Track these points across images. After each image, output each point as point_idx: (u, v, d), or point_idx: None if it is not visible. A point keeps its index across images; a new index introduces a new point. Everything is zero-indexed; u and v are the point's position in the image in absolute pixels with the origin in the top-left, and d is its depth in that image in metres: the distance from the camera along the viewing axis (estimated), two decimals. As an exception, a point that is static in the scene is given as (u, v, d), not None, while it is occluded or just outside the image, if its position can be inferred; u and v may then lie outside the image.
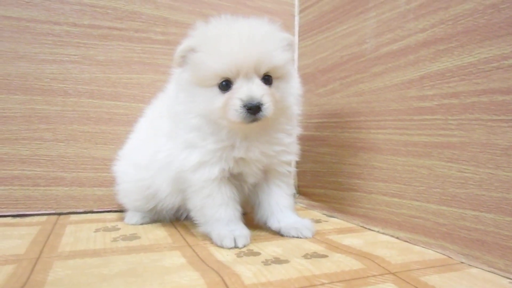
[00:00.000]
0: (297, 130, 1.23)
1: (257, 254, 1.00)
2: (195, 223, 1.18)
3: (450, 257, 1.00)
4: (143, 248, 1.05)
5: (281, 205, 1.22)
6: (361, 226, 1.31)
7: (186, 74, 1.10)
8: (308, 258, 0.96)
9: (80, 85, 1.51)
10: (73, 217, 1.44)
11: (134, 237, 1.17)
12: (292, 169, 1.27)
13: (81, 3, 1.51)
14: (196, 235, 1.18)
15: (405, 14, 1.18)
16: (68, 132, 1.50)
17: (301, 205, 1.69)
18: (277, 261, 0.94)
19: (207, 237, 1.13)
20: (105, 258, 0.96)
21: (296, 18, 1.82)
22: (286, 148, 1.18)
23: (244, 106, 1.00)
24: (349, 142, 1.42)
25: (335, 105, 1.52)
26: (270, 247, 1.06)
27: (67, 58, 1.50)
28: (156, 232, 1.24)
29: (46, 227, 1.28)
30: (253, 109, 1.00)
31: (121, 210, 1.46)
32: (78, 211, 1.51)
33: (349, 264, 0.92)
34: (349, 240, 1.14)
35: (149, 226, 1.32)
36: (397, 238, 1.17)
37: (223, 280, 0.82)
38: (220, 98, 1.04)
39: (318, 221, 1.39)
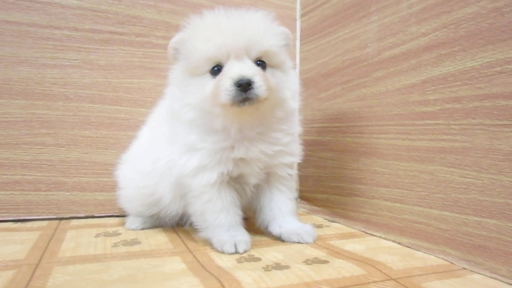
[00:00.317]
0: (296, 129, 1.22)
1: (257, 259, 0.99)
2: (196, 228, 1.17)
3: (452, 263, 0.99)
4: (144, 254, 1.05)
5: (282, 210, 1.21)
6: (363, 232, 1.30)
7: (180, 67, 1.11)
8: (309, 264, 0.95)
9: (81, 90, 1.51)
10: (74, 222, 1.43)
11: (134, 242, 1.16)
12: (294, 172, 1.25)
13: (82, 7, 1.51)
14: (197, 241, 1.18)
15: (407, 18, 1.18)
16: (69, 136, 1.50)
17: (303, 210, 1.68)
18: (278, 266, 0.93)
19: (207, 243, 1.13)
20: (105, 264, 0.96)
21: (298, 23, 1.81)
22: (285, 148, 1.16)
23: (234, 83, 0.98)
24: (351, 147, 1.42)
25: (337, 109, 1.51)
26: (271, 253, 1.05)
27: (68, 63, 1.50)
28: (157, 237, 1.23)
29: (47, 232, 1.27)
30: (243, 86, 0.98)
31: (122, 215, 1.45)
32: (79, 216, 1.50)
33: (350, 270, 0.91)
34: (350, 245, 1.14)
35: (150, 231, 1.32)
36: (399, 243, 1.16)
37: (223, 286, 0.81)
38: (211, 83, 1.04)
39: (319, 226, 1.38)
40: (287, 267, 0.93)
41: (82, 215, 1.51)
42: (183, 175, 1.11)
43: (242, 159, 1.11)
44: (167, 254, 1.04)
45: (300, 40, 1.80)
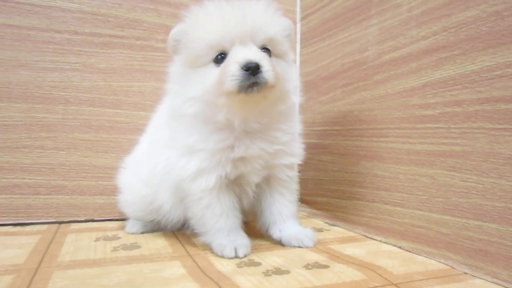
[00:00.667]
0: (297, 128, 1.20)
1: (257, 264, 0.99)
2: (196, 233, 1.16)
3: (453, 267, 0.99)
4: (143, 258, 1.05)
5: (283, 214, 1.20)
6: (363, 235, 1.30)
7: (180, 60, 1.10)
8: (309, 269, 0.95)
9: (81, 93, 1.51)
10: (74, 226, 1.43)
11: (134, 246, 1.16)
12: (295, 174, 1.24)
13: (83, 11, 1.51)
14: (197, 245, 1.17)
15: (407, 21, 1.17)
16: (69, 140, 1.50)
17: (303, 213, 1.68)
18: (278, 271, 0.93)
19: (207, 247, 1.12)
20: (104, 268, 0.95)
21: (298, 25, 1.81)
22: (285, 147, 1.14)
23: (242, 68, 0.96)
24: (352, 150, 1.41)
25: (337, 113, 1.51)
26: (271, 257, 1.05)
27: (68, 66, 1.50)
28: (157, 241, 1.23)
29: (47, 236, 1.27)
30: (252, 69, 0.96)
31: (122, 219, 1.45)
32: (79, 219, 1.50)
33: (350, 275, 0.91)
34: (351, 249, 1.13)
35: (150, 235, 1.31)
36: (400, 247, 1.16)
37: (223, 291, 0.81)
38: (215, 72, 1.02)
39: (320, 230, 1.37)
40: (287, 272, 0.93)
41: (82, 219, 1.51)
42: (181, 178, 1.10)
43: (241, 159, 1.09)
44: (166, 259, 1.04)
45: (300, 43, 1.80)
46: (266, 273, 0.91)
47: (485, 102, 0.94)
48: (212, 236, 1.11)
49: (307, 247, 1.14)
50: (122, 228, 1.38)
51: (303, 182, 1.74)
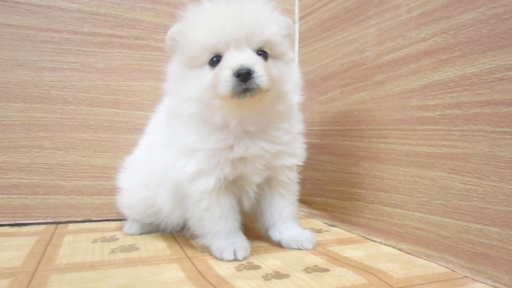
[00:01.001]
0: (298, 128, 1.18)
1: (257, 267, 0.98)
2: (195, 234, 1.15)
3: (454, 270, 0.98)
4: (142, 261, 1.04)
5: (283, 215, 1.19)
6: (363, 237, 1.30)
7: (177, 59, 1.09)
8: (309, 272, 0.94)
9: (80, 93, 1.50)
10: (72, 226, 1.42)
11: (132, 248, 1.15)
12: (295, 175, 1.23)
13: (81, 10, 1.50)
14: (196, 247, 1.16)
15: (406, 22, 1.17)
16: (67, 140, 1.49)
17: (302, 213, 1.67)
18: (278, 275, 0.92)
19: (206, 249, 1.11)
20: (102, 272, 0.95)
21: (297, 25, 1.80)
22: (286, 148, 1.13)
23: (233, 74, 0.95)
24: (351, 151, 1.41)
25: (336, 113, 1.50)
26: (270, 260, 1.04)
27: (66, 66, 1.49)
28: (155, 243, 1.22)
29: (44, 237, 1.27)
30: (242, 76, 0.94)
31: (120, 219, 1.44)
32: (76, 220, 1.49)
33: (350, 279, 0.90)
34: (350, 252, 1.13)
35: (148, 236, 1.30)
36: (400, 249, 1.15)
37: (222, 295, 0.81)
38: (210, 74, 1.01)
39: (319, 231, 1.37)
40: (286, 275, 0.92)
41: (80, 219, 1.50)
42: (180, 180, 1.09)
43: (241, 159, 1.08)
44: (165, 261, 1.03)
45: (299, 43, 1.79)
46: (266, 277, 0.91)
47: (485, 105, 0.93)
48: (211, 239, 1.10)
49: (307, 249, 1.14)
50: (120, 228, 1.37)
51: (302, 182, 1.72)
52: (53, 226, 1.42)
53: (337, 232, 1.37)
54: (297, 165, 1.22)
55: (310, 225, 1.45)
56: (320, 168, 1.59)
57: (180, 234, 1.29)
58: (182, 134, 1.09)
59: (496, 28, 0.92)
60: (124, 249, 1.14)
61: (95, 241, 1.23)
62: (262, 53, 1.04)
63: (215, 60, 1.01)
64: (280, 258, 1.06)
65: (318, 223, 1.51)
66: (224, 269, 0.97)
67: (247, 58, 0.97)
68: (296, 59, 1.78)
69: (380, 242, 1.23)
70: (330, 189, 1.53)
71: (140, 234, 1.32)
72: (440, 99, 1.05)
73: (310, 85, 1.66)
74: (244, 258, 1.05)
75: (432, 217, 1.07)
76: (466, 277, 0.94)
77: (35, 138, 1.46)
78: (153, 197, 1.22)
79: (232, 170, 1.08)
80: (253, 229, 1.25)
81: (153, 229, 1.34)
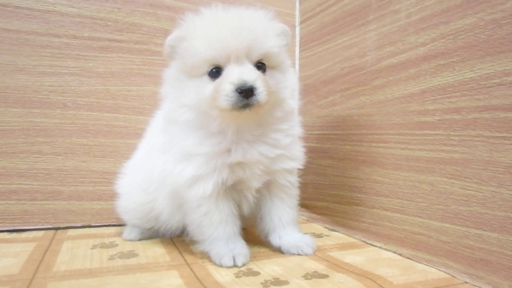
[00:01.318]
0: (297, 130, 1.18)
1: (256, 273, 0.98)
2: (194, 240, 1.15)
3: (454, 276, 0.98)
4: (140, 267, 1.04)
5: (283, 220, 1.19)
6: (363, 241, 1.29)
7: (176, 66, 1.08)
8: (309, 279, 0.94)
9: (79, 98, 1.50)
10: (71, 232, 1.42)
11: (131, 254, 1.15)
12: (295, 179, 1.22)
13: (81, 15, 1.50)
14: (195, 253, 1.16)
15: (405, 27, 1.17)
16: (67, 145, 1.49)
17: (303, 218, 1.67)
18: (277, 282, 0.92)
19: (205, 255, 1.11)
20: (100, 279, 0.94)
21: (297, 29, 1.80)
22: (286, 151, 1.13)
23: (236, 90, 0.95)
24: (351, 155, 1.41)
25: (336, 117, 1.50)
26: (270, 266, 1.04)
27: (66, 71, 1.49)
28: (154, 249, 1.22)
29: (43, 243, 1.26)
30: (245, 92, 0.95)
31: (120, 225, 1.44)
32: (76, 225, 1.49)
33: (350, 285, 0.90)
34: (350, 257, 1.12)
35: (148, 242, 1.30)
36: (400, 254, 1.15)
37: (220, 303, 0.80)
38: (210, 86, 1.01)
39: (320, 235, 1.37)
40: (286, 282, 0.92)
41: (79, 225, 1.49)
42: (178, 185, 1.09)
43: (239, 163, 1.08)
44: (164, 268, 1.03)
45: (299, 47, 1.79)
46: (265, 284, 0.90)
47: (484, 110, 0.93)
48: (210, 245, 1.09)
49: (307, 255, 1.13)
50: (120, 234, 1.37)
51: (302, 186, 1.71)
52: (52, 231, 1.42)
53: (338, 236, 1.37)
54: (297, 169, 1.21)
55: (311, 230, 1.44)
56: (321, 172, 1.59)
57: (179, 240, 1.29)
58: (179, 138, 1.09)
59: (494, 33, 0.91)
60: (123, 256, 1.14)
61: (94, 247, 1.22)
62: (261, 65, 1.04)
63: (214, 72, 1.02)
64: (279, 264, 1.06)
65: (319, 227, 1.51)
66: (223, 276, 0.96)
67: (249, 74, 0.98)
68: (297, 63, 1.78)
69: (380, 247, 1.22)
70: (331, 193, 1.52)
71: (140, 239, 1.32)
72: (439, 104, 1.05)
73: (311, 89, 1.66)
74: (244, 264, 1.04)
75: (432, 222, 1.07)
76: (466, 282, 0.94)
77: (34, 143, 1.45)
78: (153, 202, 1.21)
79: (230, 174, 1.08)
80: (253, 233, 1.25)
81: (152, 234, 1.33)
